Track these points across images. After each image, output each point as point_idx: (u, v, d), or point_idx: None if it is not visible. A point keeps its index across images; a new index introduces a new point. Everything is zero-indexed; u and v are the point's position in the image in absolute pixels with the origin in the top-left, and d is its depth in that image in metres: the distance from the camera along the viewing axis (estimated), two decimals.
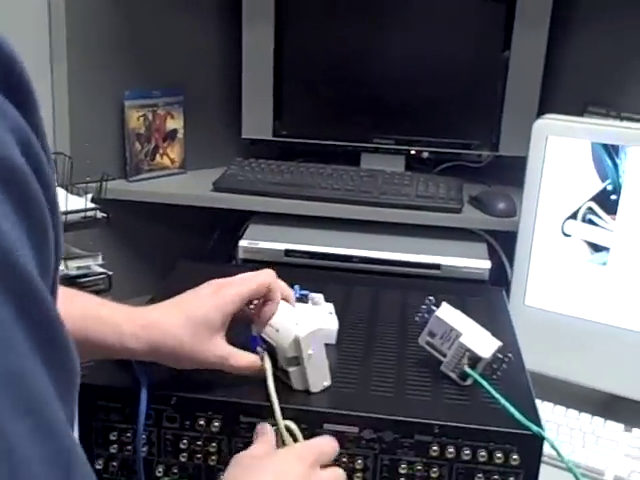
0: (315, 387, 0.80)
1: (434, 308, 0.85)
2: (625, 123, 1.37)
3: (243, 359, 0.81)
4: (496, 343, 0.82)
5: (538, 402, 1.13)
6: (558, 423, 1.12)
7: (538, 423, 0.75)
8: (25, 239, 0.38)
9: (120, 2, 1.48)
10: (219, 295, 0.81)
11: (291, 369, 0.80)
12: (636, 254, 1.11)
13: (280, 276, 0.88)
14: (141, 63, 1.54)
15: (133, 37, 1.52)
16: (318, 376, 0.81)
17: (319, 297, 0.94)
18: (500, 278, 1.40)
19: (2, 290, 0.35)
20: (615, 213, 1.11)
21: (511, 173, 1.36)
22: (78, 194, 1.36)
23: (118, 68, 1.52)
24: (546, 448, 1.04)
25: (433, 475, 0.76)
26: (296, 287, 0.93)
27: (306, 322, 0.80)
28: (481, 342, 0.82)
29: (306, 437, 0.77)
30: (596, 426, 1.11)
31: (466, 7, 1.55)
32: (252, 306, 0.84)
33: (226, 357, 0.80)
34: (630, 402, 1.16)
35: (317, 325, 0.79)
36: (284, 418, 0.77)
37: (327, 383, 0.81)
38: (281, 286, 0.85)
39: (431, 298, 0.86)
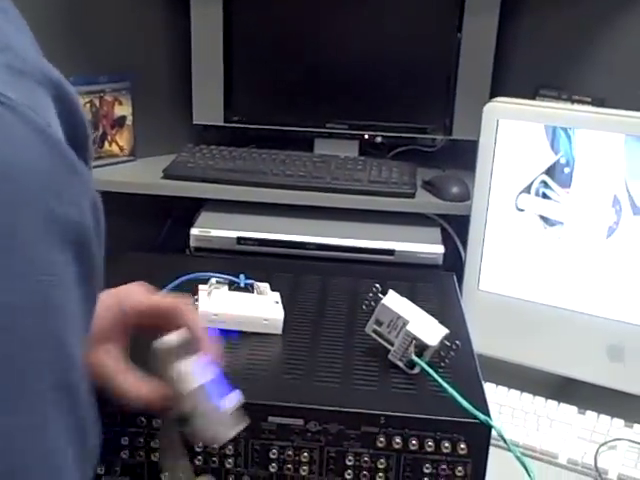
0: (218, 439, 0.71)
1: (381, 296, 0.83)
2: (575, 106, 1.37)
3: (132, 384, 0.70)
4: (443, 330, 0.81)
5: (492, 386, 1.14)
6: (512, 407, 1.12)
7: (486, 411, 0.74)
8: (83, 311, 0.42)
9: None
10: (115, 298, 0.74)
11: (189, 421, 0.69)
12: (589, 228, 1.11)
13: (230, 264, 0.86)
14: (86, 48, 1.50)
15: (77, 21, 1.48)
16: (217, 427, 0.69)
17: (265, 286, 0.92)
18: (455, 263, 1.40)
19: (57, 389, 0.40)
20: (568, 187, 1.11)
21: (465, 157, 1.35)
22: None
23: (62, 53, 1.46)
24: (502, 433, 1.04)
25: (380, 466, 0.75)
26: (241, 276, 0.91)
27: (195, 374, 0.68)
28: (428, 330, 0.81)
29: (250, 431, 0.75)
30: (550, 409, 1.12)
31: None
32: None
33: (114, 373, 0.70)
34: (583, 385, 1.16)
35: (201, 380, 0.68)
36: None
37: (233, 432, 0.70)
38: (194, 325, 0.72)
39: (378, 286, 0.84)
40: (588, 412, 1.11)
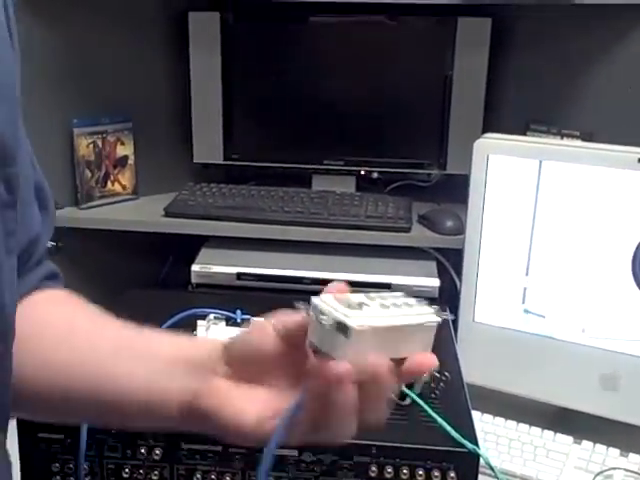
0: None
1: None
2: (565, 141, 1.40)
3: None
4: None
5: (489, 417, 1.16)
6: (509, 437, 1.13)
7: (474, 440, 0.75)
8: None
9: (66, 30, 1.48)
10: None
11: None
12: (582, 260, 1.13)
13: (229, 300, 0.87)
14: (89, 90, 1.54)
15: (80, 65, 1.52)
16: None
17: None
18: (451, 295, 1.42)
19: None
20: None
21: (460, 191, 1.38)
22: None
23: (66, 96, 1.51)
24: (500, 463, 1.05)
25: None
26: (238, 312, 0.94)
27: None
28: None
29: (246, 462, 0.77)
30: (546, 439, 1.12)
31: (409, 30, 1.57)
32: None
33: None
34: (579, 414, 1.17)
35: None
36: (213, 443, 0.75)
37: None
38: None
39: None
40: (584, 442, 1.11)
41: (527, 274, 1.17)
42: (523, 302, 1.18)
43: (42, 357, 0.61)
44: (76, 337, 0.64)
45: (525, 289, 1.18)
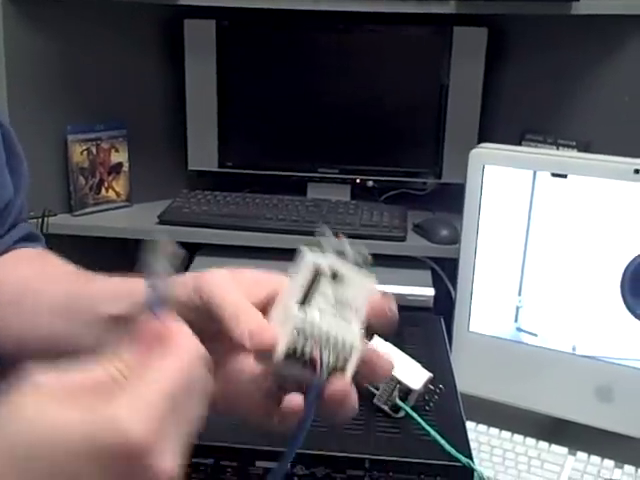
0: None
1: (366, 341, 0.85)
2: (560, 151, 1.40)
3: None
4: (426, 374, 0.83)
5: (484, 427, 1.15)
6: (504, 448, 1.12)
7: (468, 454, 0.75)
8: None
9: (60, 37, 1.48)
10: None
11: None
12: (576, 270, 1.12)
13: None
14: (83, 97, 1.54)
15: (74, 71, 1.52)
16: None
17: None
18: (446, 305, 1.41)
19: None
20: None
21: (455, 200, 1.38)
22: None
23: (60, 103, 1.51)
24: (494, 474, 1.05)
25: None
26: None
27: None
28: (412, 374, 0.82)
29: (237, 475, 0.76)
30: (541, 450, 1.12)
31: (405, 40, 1.58)
32: None
33: None
34: (574, 425, 1.17)
35: None
36: (205, 456, 0.75)
37: None
38: None
39: (362, 331, 0.86)
40: (579, 453, 1.11)
41: (520, 293, 1.17)
42: (516, 320, 1.18)
43: None
44: (25, 300, 0.65)
45: (518, 308, 1.18)
